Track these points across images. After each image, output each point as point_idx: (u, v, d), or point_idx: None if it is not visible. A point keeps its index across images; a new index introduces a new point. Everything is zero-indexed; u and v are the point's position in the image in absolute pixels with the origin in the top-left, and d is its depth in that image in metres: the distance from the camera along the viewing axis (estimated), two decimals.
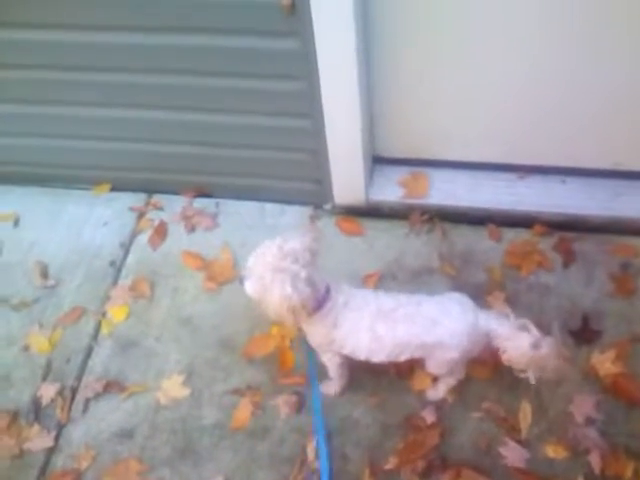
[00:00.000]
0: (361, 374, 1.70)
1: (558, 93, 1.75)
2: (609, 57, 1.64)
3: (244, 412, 1.68)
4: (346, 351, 1.48)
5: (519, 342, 1.35)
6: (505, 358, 1.39)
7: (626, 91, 1.71)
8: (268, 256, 1.33)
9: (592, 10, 1.53)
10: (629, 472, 1.48)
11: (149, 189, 2.22)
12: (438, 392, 1.62)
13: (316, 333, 1.48)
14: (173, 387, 1.75)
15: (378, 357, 1.45)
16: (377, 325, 1.40)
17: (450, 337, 1.39)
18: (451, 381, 1.57)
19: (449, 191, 2.04)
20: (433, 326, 1.39)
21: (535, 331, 1.35)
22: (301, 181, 2.07)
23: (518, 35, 1.63)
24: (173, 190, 2.19)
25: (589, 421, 1.56)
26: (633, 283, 1.81)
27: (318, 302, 1.36)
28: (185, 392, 1.74)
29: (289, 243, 1.34)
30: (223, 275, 1.98)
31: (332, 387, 1.65)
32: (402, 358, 1.46)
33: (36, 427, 1.71)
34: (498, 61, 1.70)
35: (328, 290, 1.39)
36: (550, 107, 1.80)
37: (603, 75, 1.68)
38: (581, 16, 1.55)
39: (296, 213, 2.12)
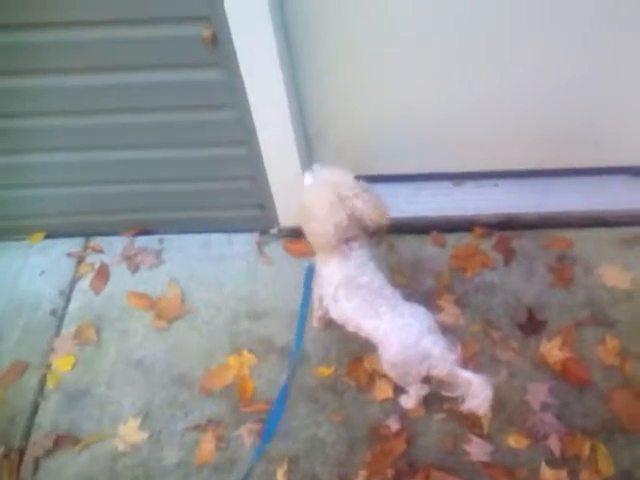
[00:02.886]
0: (323, 394, 1.70)
1: (485, 103, 1.84)
2: (530, 67, 1.74)
3: (207, 447, 1.63)
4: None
5: (479, 397, 1.35)
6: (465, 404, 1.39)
7: (545, 97, 1.82)
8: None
9: (511, 19, 1.63)
10: (586, 450, 1.53)
11: (86, 232, 2.16)
12: (408, 402, 1.62)
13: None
14: (130, 432, 1.68)
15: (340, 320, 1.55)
16: (340, 293, 1.49)
17: (386, 339, 1.43)
18: (421, 392, 1.58)
19: (391, 204, 2.03)
20: (379, 320, 1.44)
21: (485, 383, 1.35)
22: (244, 209, 2.07)
23: (442, 48, 1.70)
24: (112, 231, 2.14)
25: (545, 407, 1.61)
26: (570, 272, 1.90)
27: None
28: (143, 435, 1.67)
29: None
30: (172, 312, 1.93)
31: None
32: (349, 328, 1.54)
33: None
34: (425, 75, 1.77)
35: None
36: (478, 117, 1.89)
37: (524, 83, 1.78)
38: (497, 26, 1.64)
39: (243, 241, 2.11)
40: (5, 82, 1.66)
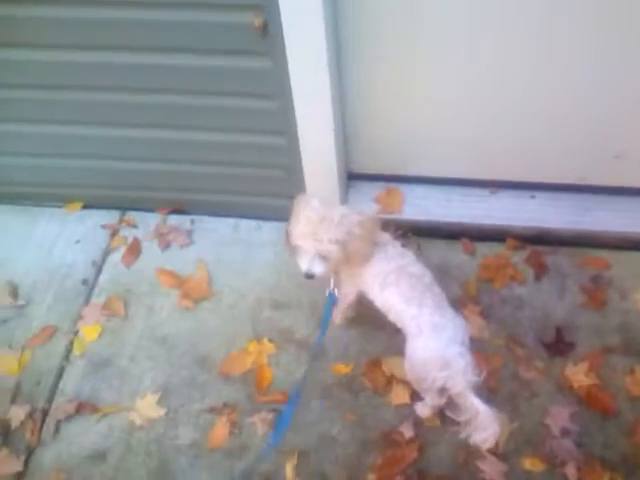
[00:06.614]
0: (338, 391, 1.70)
1: (525, 112, 1.80)
2: (574, 77, 1.69)
3: (221, 431, 1.65)
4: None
5: (486, 431, 1.31)
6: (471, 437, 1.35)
7: (589, 111, 1.76)
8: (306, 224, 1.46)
9: (559, 28, 1.58)
10: None
11: (122, 206, 2.20)
12: (424, 410, 1.61)
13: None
14: (148, 407, 1.71)
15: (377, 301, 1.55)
16: (391, 279, 1.48)
17: (416, 331, 1.42)
18: (437, 401, 1.54)
19: (423, 206, 2.06)
20: (419, 312, 1.43)
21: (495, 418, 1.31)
22: (276, 197, 2.07)
23: (486, 55, 1.67)
24: (147, 207, 2.18)
25: (565, 433, 1.57)
26: (604, 295, 1.84)
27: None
28: (160, 412, 1.71)
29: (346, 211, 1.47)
30: (198, 292, 1.96)
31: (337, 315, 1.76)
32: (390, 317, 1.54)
33: (5, 451, 1.65)
34: (467, 80, 1.74)
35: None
36: (519, 125, 1.84)
37: (567, 94, 1.73)
38: (549, 34, 1.60)
39: (272, 229, 2.11)
40: (58, 56, 1.69)
